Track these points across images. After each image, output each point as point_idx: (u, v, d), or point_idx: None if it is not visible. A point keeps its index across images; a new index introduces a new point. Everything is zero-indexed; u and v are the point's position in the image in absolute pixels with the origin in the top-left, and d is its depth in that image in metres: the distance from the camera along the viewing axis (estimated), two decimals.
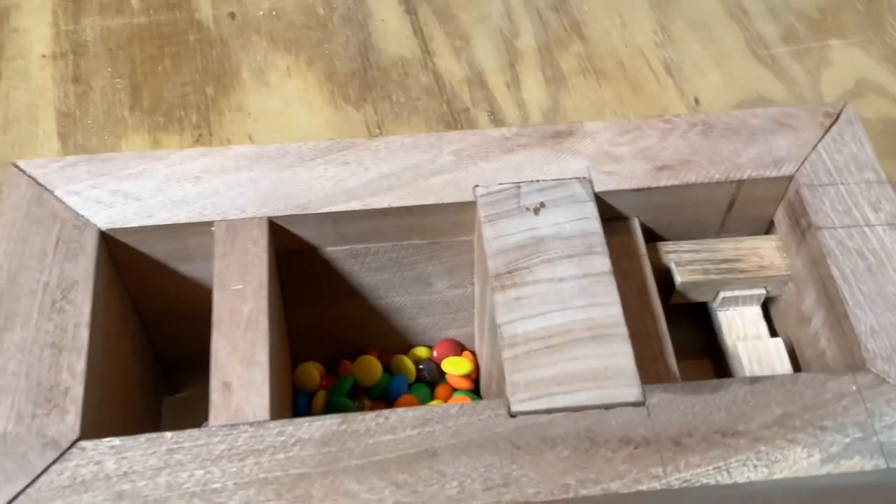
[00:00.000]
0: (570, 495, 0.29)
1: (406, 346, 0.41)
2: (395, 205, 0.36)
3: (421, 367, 0.40)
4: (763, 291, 0.39)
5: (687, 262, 0.39)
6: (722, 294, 0.39)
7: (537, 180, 0.37)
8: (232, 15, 0.73)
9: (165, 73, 0.69)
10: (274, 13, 0.73)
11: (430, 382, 0.41)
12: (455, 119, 0.67)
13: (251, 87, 0.68)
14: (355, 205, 0.36)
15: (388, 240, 0.38)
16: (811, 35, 0.72)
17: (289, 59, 0.70)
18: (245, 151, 0.37)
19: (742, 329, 0.39)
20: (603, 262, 0.35)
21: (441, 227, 0.37)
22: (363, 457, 0.30)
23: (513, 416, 0.31)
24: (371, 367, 0.39)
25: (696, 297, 0.39)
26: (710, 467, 0.30)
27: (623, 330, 0.33)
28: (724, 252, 0.39)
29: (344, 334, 0.41)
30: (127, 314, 0.37)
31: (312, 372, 0.39)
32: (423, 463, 0.30)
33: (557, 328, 0.33)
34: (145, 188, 0.36)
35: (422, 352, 0.41)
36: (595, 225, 0.36)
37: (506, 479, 0.30)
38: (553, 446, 0.30)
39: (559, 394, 0.31)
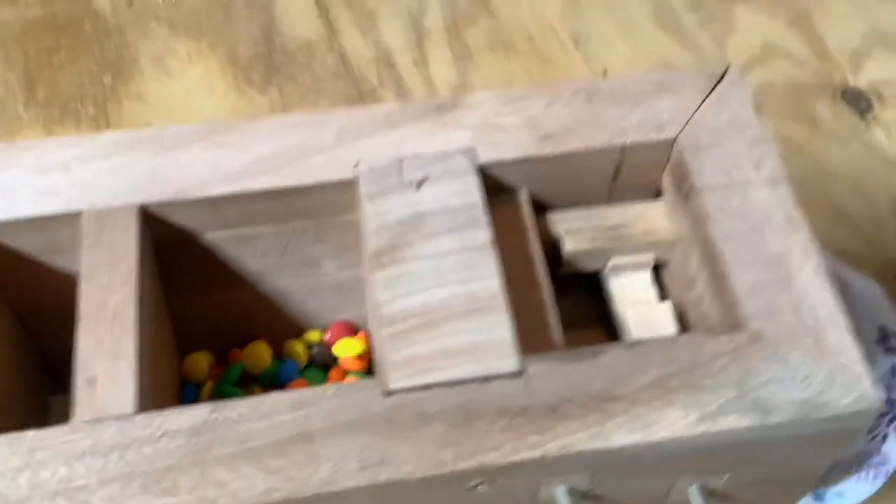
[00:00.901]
0: (447, 470, 0.29)
1: (299, 332, 0.41)
2: (274, 186, 0.35)
3: (313, 350, 0.40)
4: (651, 257, 0.39)
5: (575, 230, 0.39)
6: (612, 261, 0.39)
7: (420, 155, 0.36)
8: (130, 2, 0.71)
9: (61, 65, 0.67)
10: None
11: (323, 366, 0.40)
12: (362, 100, 0.66)
13: (150, 75, 0.66)
14: (233, 188, 0.35)
15: (271, 223, 0.37)
16: (717, 2, 0.73)
17: (190, 45, 0.68)
18: (118, 137, 0.36)
19: (632, 295, 0.39)
20: (484, 235, 0.34)
21: (325, 207, 0.37)
22: (235, 444, 0.29)
23: (389, 394, 0.30)
24: (259, 354, 0.38)
25: (587, 265, 0.39)
26: (587, 433, 0.30)
27: (502, 302, 0.32)
28: (611, 219, 0.39)
29: (234, 322, 0.40)
30: (1, 313, 0.36)
31: (200, 362, 0.38)
32: (298, 447, 0.29)
33: (436, 304, 0.32)
34: (12, 180, 0.35)
35: (315, 336, 0.40)
36: (476, 197, 0.35)
37: (382, 458, 0.29)
38: (430, 422, 0.30)
39: (436, 369, 0.31)
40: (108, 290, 0.32)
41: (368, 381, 0.31)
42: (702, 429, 0.30)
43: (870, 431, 0.48)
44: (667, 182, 0.39)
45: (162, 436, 0.29)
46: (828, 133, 0.65)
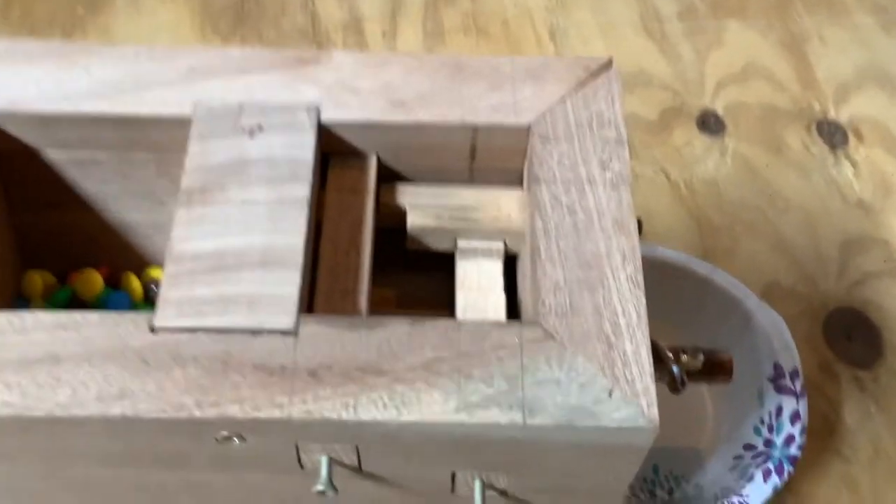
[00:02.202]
0: (184, 415, 0.28)
1: (142, 266, 0.40)
2: (107, 112, 0.35)
3: (151, 287, 0.39)
4: (501, 245, 0.38)
5: (422, 205, 0.37)
6: (460, 244, 0.38)
7: (263, 103, 0.35)
8: None
9: None
10: None
11: None
12: None
13: (122, 11, 0.67)
14: (64, 107, 0.35)
15: (109, 149, 0.36)
16: (710, 14, 0.70)
17: None
18: None
19: (476, 281, 0.38)
20: (302, 190, 0.33)
21: (164, 142, 0.36)
22: None
23: (153, 331, 0.30)
24: (92, 281, 0.38)
25: (432, 243, 0.38)
26: (338, 402, 0.29)
27: (298, 259, 0.32)
28: (463, 200, 0.38)
29: (78, 246, 0.40)
30: None
31: (36, 280, 0.38)
32: (43, 367, 0.29)
33: (232, 250, 0.32)
34: None
35: (156, 272, 0.40)
36: (308, 154, 0.34)
37: (122, 392, 0.29)
38: (183, 365, 0.29)
39: (209, 314, 0.30)
40: None
41: (138, 315, 0.30)
42: (459, 418, 0.29)
43: (737, 468, 0.46)
44: (525, 171, 0.37)
45: None
46: (791, 162, 0.63)
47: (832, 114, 0.65)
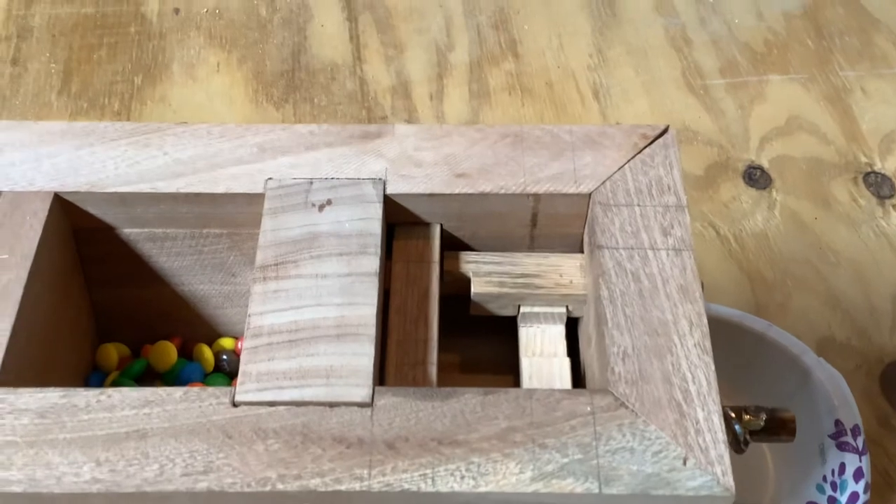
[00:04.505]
0: (267, 489, 0.29)
1: (214, 337, 0.41)
2: (181, 191, 0.36)
3: (223, 357, 0.40)
4: (564, 310, 0.38)
5: (486, 273, 0.38)
6: (522, 309, 0.38)
7: (331, 178, 0.37)
8: (176, 10, 0.74)
9: (99, 62, 0.71)
10: (217, 11, 0.74)
11: (230, 373, 0.41)
12: None
13: (178, 80, 0.69)
14: (142, 187, 0.36)
15: (184, 226, 0.38)
16: (751, 69, 0.71)
17: (221, 56, 0.71)
18: (51, 127, 0.38)
19: (539, 346, 0.38)
20: (371, 263, 0.34)
21: (237, 217, 0.37)
22: (74, 431, 0.30)
23: (235, 405, 0.31)
24: (166, 352, 0.39)
25: (496, 309, 0.39)
26: (417, 474, 0.29)
27: (371, 331, 0.32)
28: (525, 266, 0.38)
29: (152, 319, 0.41)
30: None
31: (111, 352, 0.39)
32: (130, 443, 0.30)
33: (306, 323, 0.33)
34: None
35: (227, 343, 0.41)
36: (375, 226, 0.35)
37: (207, 467, 0.29)
38: (265, 439, 0.30)
39: (288, 388, 0.31)
40: (3, 267, 0.34)
41: (220, 390, 0.31)
42: (534, 487, 0.29)
43: None
44: (585, 237, 0.38)
45: (10, 412, 0.30)
46: (840, 215, 0.63)
47: (878, 165, 0.66)
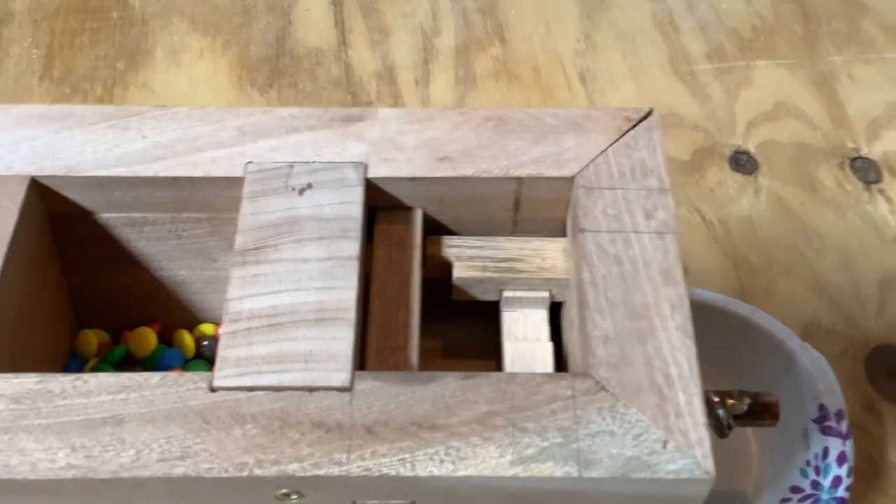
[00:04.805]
0: (245, 474, 0.29)
1: (195, 323, 0.41)
2: (160, 174, 0.36)
3: (204, 343, 0.40)
4: (546, 294, 0.38)
5: (468, 257, 0.38)
6: (505, 293, 0.38)
7: (312, 161, 0.36)
8: None
9: (82, 47, 0.70)
10: None
11: (210, 360, 0.40)
12: None
13: (161, 65, 0.69)
14: (121, 171, 0.36)
15: (163, 210, 0.37)
16: (739, 54, 0.71)
17: (204, 42, 0.70)
18: (30, 111, 0.38)
19: (523, 331, 0.38)
20: (352, 247, 0.34)
21: (216, 201, 0.37)
22: (49, 417, 0.30)
23: (213, 390, 0.31)
24: (145, 339, 0.39)
25: (478, 294, 0.38)
26: (396, 458, 0.29)
27: (351, 315, 0.32)
28: (507, 251, 0.38)
29: (132, 304, 0.41)
30: None
31: (90, 338, 0.39)
32: (107, 429, 0.30)
33: (286, 308, 0.32)
34: None
35: (208, 328, 0.41)
36: (356, 210, 0.35)
37: (184, 453, 0.29)
38: (243, 424, 0.30)
39: (266, 372, 0.31)
40: None
41: (198, 375, 0.31)
42: (514, 472, 0.29)
43: None
44: (568, 221, 0.38)
45: None
46: (826, 200, 0.63)
47: (865, 151, 0.65)
